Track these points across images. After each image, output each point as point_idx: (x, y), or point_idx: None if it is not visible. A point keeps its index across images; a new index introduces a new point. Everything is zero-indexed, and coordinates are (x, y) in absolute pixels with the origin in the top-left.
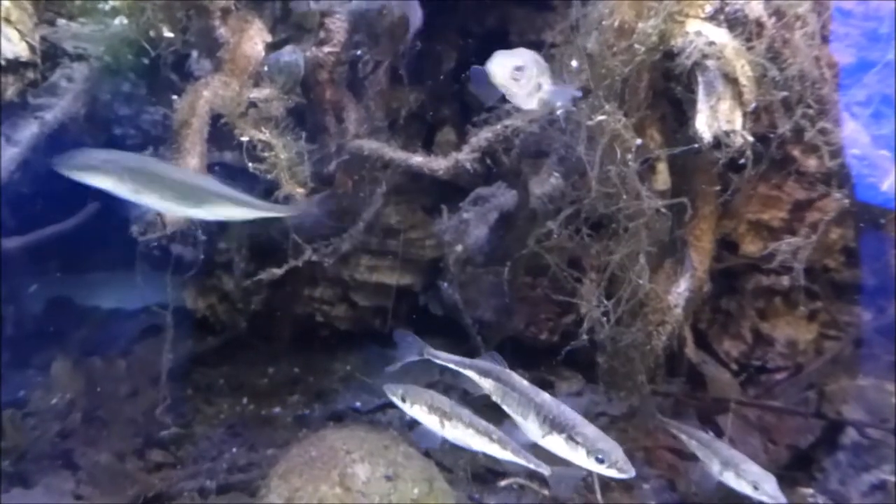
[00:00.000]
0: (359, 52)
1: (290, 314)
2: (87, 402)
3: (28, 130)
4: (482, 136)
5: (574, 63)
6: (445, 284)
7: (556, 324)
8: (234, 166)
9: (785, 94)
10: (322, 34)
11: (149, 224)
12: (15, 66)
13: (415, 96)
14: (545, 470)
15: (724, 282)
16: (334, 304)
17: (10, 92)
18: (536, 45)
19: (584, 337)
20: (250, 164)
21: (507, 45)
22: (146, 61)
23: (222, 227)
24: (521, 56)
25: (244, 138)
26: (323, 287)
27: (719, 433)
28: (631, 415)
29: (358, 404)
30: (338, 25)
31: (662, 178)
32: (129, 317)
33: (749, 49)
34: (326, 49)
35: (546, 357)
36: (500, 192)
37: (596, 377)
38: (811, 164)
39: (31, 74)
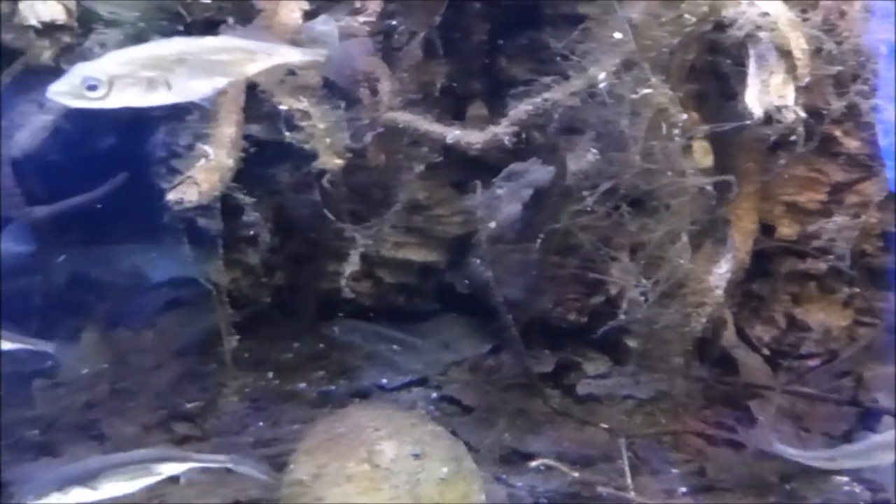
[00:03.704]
0: (393, 23)
1: (314, 289)
2: (114, 374)
3: None
4: (521, 109)
5: (616, 35)
6: (478, 261)
7: (584, 304)
8: (261, 138)
9: (840, 68)
10: (357, 4)
11: (183, 192)
12: (50, 29)
13: (446, 69)
14: None
15: (757, 265)
16: (359, 280)
17: (46, 56)
18: (571, 18)
19: (622, 317)
20: (287, 134)
21: (540, 18)
22: (181, 28)
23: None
24: None
25: (282, 107)
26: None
27: (751, 419)
28: (658, 398)
29: (384, 381)
30: None
31: (698, 157)
32: (153, 289)
33: (804, 21)
34: (361, 19)
35: (573, 338)
36: (534, 168)
37: (622, 359)
38: (852, 144)
39: (66, 38)
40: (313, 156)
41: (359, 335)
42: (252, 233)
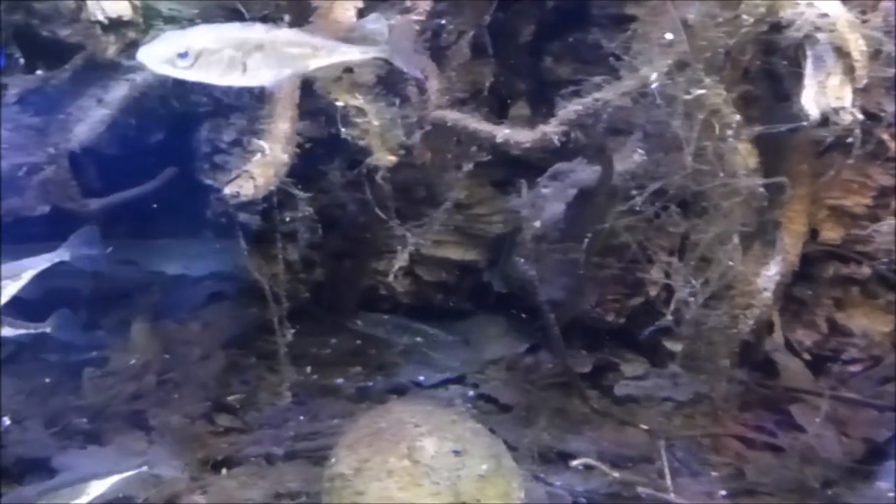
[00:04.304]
0: (442, 22)
1: (353, 286)
2: (160, 365)
3: (118, 92)
4: (571, 109)
5: (668, 36)
6: (522, 261)
7: (623, 305)
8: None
9: None
10: (407, 3)
11: (240, 186)
12: (116, 25)
13: (490, 69)
14: None
15: (799, 269)
16: (398, 278)
17: (111, 51)
18: (618, 18)
19: (669, 318)
20: (343, 130)
21: (586, 18)
22: None
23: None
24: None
25: (339, 103)
26: (387, 260)
27: (792, 424)
28: (697, 400)
29: (421, 378)
30: None
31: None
32: (194, 283)
33: (863, 22)
34: (411, 17)
35: (610, 338)
36: (580, 168)
37: (660, 361)
38: None
39: (131, 34)
40: (360, 151)
41: (382, 328)
42: (298, 228)
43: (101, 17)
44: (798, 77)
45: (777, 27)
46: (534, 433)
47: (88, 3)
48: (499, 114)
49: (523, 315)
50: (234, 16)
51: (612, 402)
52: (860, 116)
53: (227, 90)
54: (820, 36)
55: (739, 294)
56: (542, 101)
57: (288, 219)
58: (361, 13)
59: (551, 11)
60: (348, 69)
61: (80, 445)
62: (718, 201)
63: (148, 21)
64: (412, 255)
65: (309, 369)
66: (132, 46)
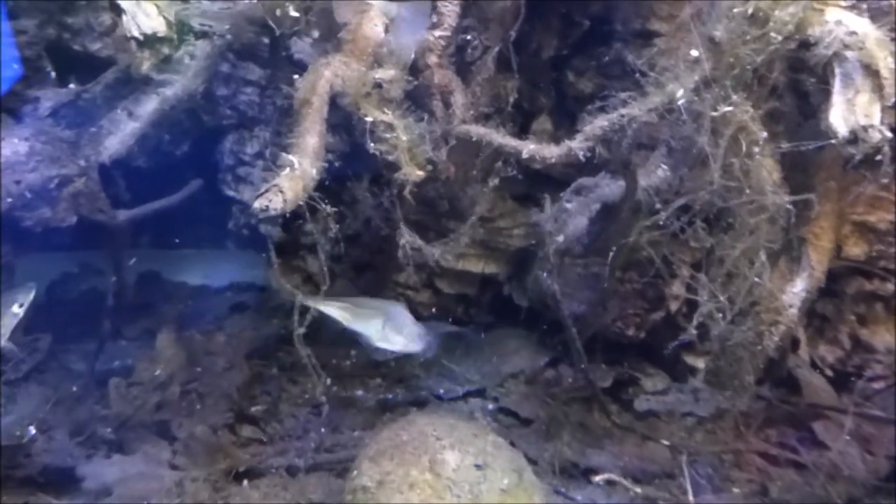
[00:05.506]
0: (468, 37)
1: (375, 298)
2: (184, 375)
3: (149, 105)
4: (597, 125)
5: (693, 52)
6: (545, 275)
7: (643, 320)
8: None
9: None
10: (434, 18)
11: (269, 200)
12: (151, 41)
13: (512, 83)
14: None
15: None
16: (419, 290)
17: (146, 66)
18: (641, 35)
19: (693, 332)
20: (372, 146)
21: (610, 34)
22: (266, 40)
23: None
24: None
25: (368, 119)
26: (407, 272)
27: (815, 440)
28: (719, 416)
29: (441, 391)
30: (450, 9)
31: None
32: (216, 294)
33: (893, 40)
34: (437, 33)
35: (630, 353)
36: (604, 183)
37: (680, 375)
38: None
39: (166, 50)
40: (386, 166)
41: None
42: (320, 240)
43: (136, 34)
44: (826, 94)
45: (805, 44)
46: (555, 447)
47: (123, 18)
48: (522, 128)
49: (543, 328)
50: (265, 31)
51: (634, 416)
52: (889, 134)
53: (251, 103)
54: (848, 53)
55: (765, 311)
56: (564, 116)
57: (310, 230)
58: (388, 29)
59: (576, 27)
60: (378, 85)
61: (105, 454)
62: (745, 217)
63: (181, 36)
64: (433, 268)
65: (329, 381)
66: (166, 62)
